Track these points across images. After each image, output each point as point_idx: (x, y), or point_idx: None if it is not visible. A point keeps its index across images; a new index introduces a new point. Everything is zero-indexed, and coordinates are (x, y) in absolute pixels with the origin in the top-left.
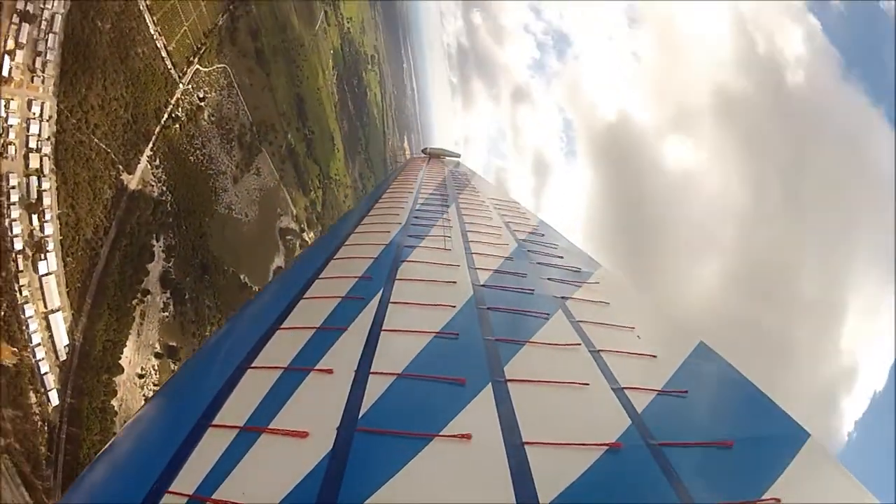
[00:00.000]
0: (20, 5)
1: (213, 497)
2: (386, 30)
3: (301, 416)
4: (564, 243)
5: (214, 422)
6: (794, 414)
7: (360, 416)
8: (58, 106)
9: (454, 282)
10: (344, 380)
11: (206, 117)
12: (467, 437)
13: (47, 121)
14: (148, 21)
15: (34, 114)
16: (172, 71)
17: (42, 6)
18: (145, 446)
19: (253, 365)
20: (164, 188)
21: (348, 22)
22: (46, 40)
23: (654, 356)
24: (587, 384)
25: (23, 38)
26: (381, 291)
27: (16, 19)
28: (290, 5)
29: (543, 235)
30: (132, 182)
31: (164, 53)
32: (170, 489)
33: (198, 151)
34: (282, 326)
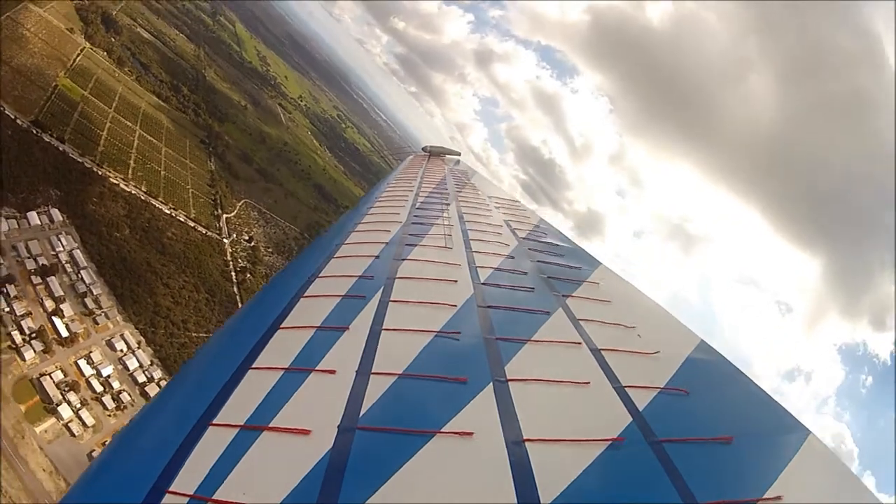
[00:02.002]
0: (30, 265)
1: (214, 497)
2: (329, 87)
3: (302, 415)
4: (565, 241)
5: (215, 421)
6: None
7: (360, 414)
8: (137, 329)
9: (455, 280)
10: (345, 379)
11: (263, 252)
12: (469, 434)
13: (138, 349)
14: (157, 205)
15: (122, 350)
16: (209, 233)
17: (53, 253)
18: (145, 446)
19: (253, 365)
20: None
21: (301, 100)
22: (82, 278)
23: (656, 354)
24: (588, 383)
25: (58, 292)
26: (381, 290)
27: (37, 279)
28: (251, 118)
29: (544, 234)
30: None
31: (191, 223)
32: (170, 489)
33: None
34: (282, 326)
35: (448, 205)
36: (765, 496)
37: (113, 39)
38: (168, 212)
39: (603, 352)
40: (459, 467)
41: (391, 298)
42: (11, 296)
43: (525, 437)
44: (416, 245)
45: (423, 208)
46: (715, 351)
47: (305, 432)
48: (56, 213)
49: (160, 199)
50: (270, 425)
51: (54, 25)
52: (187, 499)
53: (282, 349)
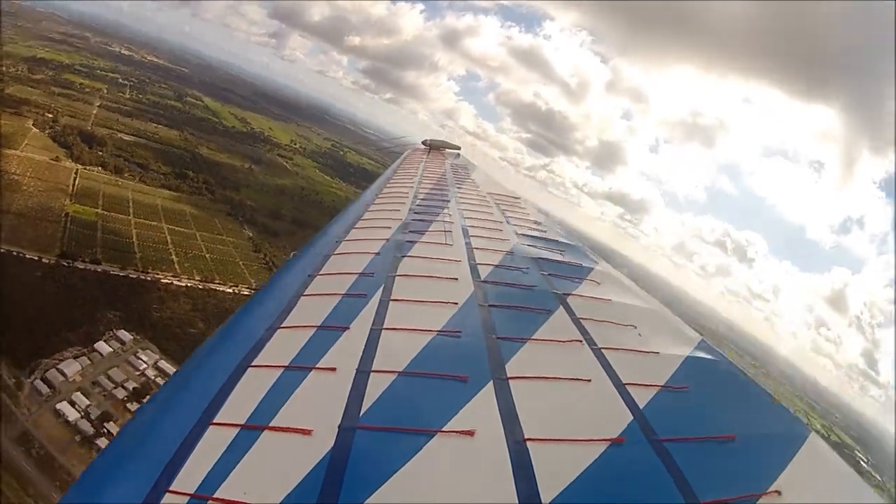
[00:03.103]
0: (120, 393)
1: (215, 496)
2: (312, 123)
3: (303, 414)
4: (566, 239)
5: (215, 420)
6: None
7: (361, 413)
8: None
9: (455, 278)
10: (345, 378)
11: None
12: (470, 433)
13: None
14: (218, 287)
15: None
16: None
17: (138, 372)
18: (145, 445)
19: (253, 364)
20: None
21: (294, 144)
22: None
23: (656, 353)
24: (589, 381)
25: None
26: (382, 288)
27: (133, 405)
28: (261, 176)
29: (545, 231)
30: None
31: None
32: (170, 488)
33: None
34: (282, 325)
35: (448, 201)
36: (764, 492)
37: (100, 153)
38: (230, 290)
39: (604, 350)
40: (460, 466)
41: (391, 297)
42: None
43: (526, 437)
44: (416, 242)
45: (424, 204)
46: (715, 349)
47: (306, 432)
48: (124, 334)
49: (217, 281)
50: (271, 424)
51: (38, 161)
52: (188, 498)
53: (282, 348)
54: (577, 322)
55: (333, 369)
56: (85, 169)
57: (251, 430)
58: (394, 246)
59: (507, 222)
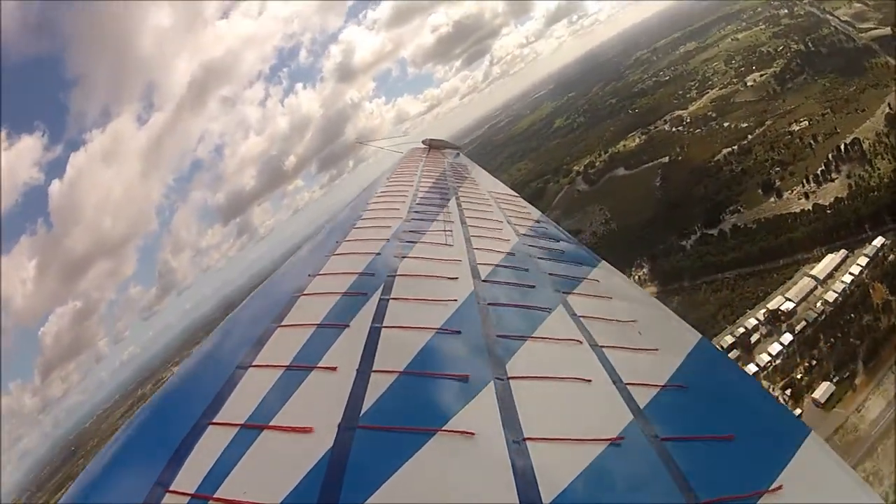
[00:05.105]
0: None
1: (215, 495)
2: None
3: (302, 413)
4: (565, 238)
5: (215, 420)
6: None
7: (361, 413)
8: None
9: (455, 277)
10: (345, 377)
11: None
12: (470, 433)
13: None
14: None
15: None
16: None
17: None
18: (145, 445)
19: (253, 363)
20: None
21: None
22: None
23: (656, 352)
24: (590, 380)
25: None
26: (381, 287)
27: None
28: None
29: (545, 229)
30: None
31: None
32: (170, 488)
33: None
34: (282, 324)
35: (448, 200)
36: (765, 491)
37: None
38: None
39: (604, 349)
40: (461, 466)
41: (392, 296)
42: None
43: (526, 436)
44: (416, 241)
45: (423, 203)
46: (716, 348)
47: (307, 430)
48: None
49: None
50: (271, 424)
51: None
52: (188, 498)
53: (282, 347)
54: (577, 321)
55: (334, 368)
56: None
57: (251, 429)
58: (394, 246)
59: (507, 221)
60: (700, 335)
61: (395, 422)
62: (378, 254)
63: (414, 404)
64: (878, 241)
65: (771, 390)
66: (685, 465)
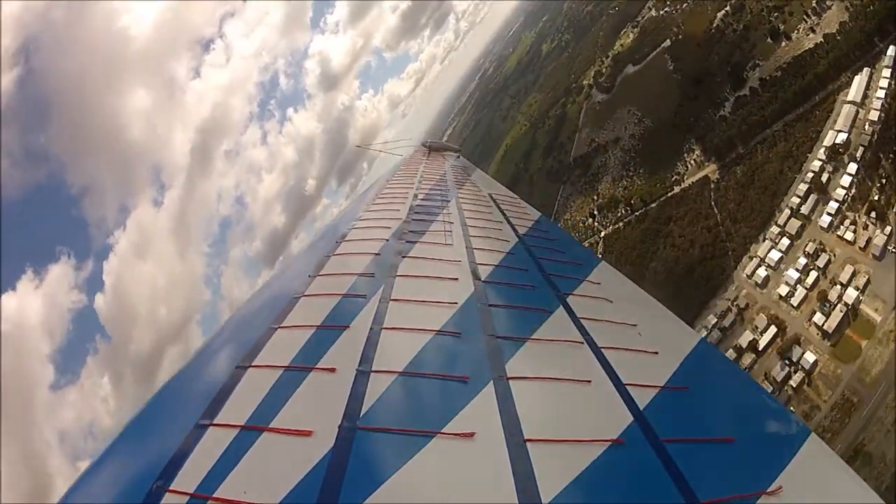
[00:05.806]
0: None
1: (215, 495)
2: None
3: (302, 414)
4: (565, 238)
5: (215, 421)
6: None
7: (361, 414)
8: None
9: (455, 278)
10: (345, 378)
11: None
12: (470, 435)
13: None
14: None
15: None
16: None
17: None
18: (146, 445)
19: (253, 364)
20: None
21: None
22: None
23: (656, 353)
24: (589, 381)
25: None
26: (381, 288)
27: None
28: None
29: (545, 231)
30: None
31: None
32: (171, 488)
33: None
34: (282, 325)
35: (448, 201)
36: (764, 492)
37: None
38: None
39: (604, 350)
40: (460, 466)
41: (392, 297)
42: None
43: (526, 437)
44: (416, 242)
45: (424, 205)
46: (716, 349)
47: (306, 433)
48: None
49: None
50: (271, 426)
51: None
52: (188, 498)
53: (282, 348)
54: (577, 322)
55: (333, 369)
56: None
57: (251, 430)
58: (394, 246)
59: (507, 222)
60: (700, 336)
61: (395, 423)
62: (378, 254)
63: (414, 406)
64: (892, 50)
65: (857, 218)
66: (685, 467)
